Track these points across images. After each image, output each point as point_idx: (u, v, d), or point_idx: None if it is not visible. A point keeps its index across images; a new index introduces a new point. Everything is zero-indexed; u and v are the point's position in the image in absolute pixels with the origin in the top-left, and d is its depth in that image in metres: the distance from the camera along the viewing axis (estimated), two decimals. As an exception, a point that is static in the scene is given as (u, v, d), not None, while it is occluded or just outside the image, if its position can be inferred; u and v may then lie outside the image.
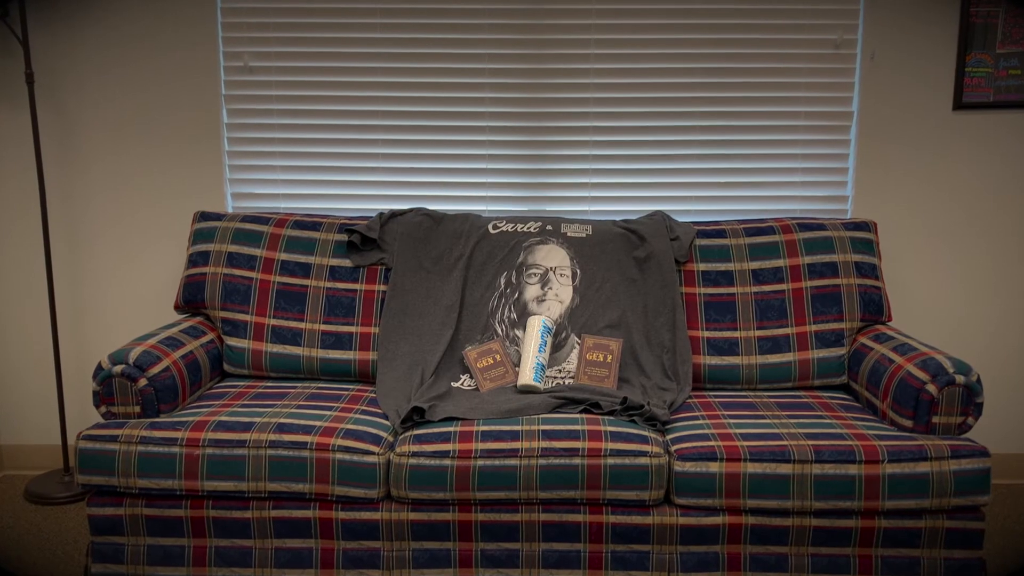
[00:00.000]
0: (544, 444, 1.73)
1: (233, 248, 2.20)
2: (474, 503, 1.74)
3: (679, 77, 2.41)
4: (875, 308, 2.14)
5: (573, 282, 2.17)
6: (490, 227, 2.24)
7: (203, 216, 2.28)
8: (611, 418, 1.84)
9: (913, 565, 1.71)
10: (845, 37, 2.35)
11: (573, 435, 1.75)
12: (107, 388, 1.85)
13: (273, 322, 2.14)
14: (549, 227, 2.24)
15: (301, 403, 1.93)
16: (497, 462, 1.71)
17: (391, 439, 1.80)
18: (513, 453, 1.72)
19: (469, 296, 2.17)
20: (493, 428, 1.77)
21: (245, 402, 1.95)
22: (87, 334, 2.52)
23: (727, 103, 2.42)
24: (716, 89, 2.42)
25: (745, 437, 1.76)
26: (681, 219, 2.41)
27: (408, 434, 1.78)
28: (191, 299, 2.20)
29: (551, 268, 2.18)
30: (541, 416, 1.85)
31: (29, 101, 2.34)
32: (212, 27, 2.39)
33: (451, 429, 1.78)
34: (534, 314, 2.14)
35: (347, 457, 1.73)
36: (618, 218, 2.39)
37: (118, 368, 1.85)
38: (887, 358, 1.95)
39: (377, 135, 2.45)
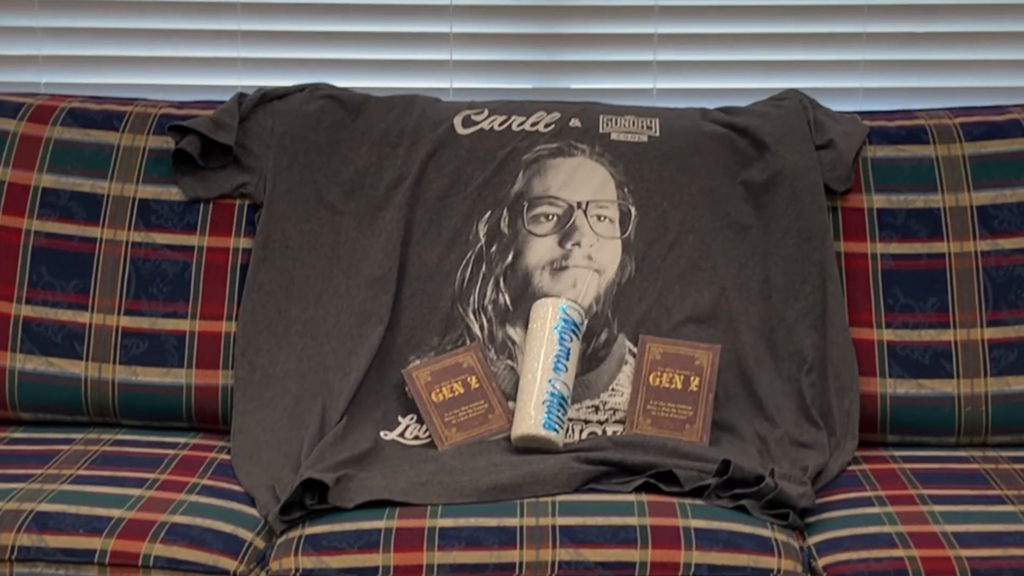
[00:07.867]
0: (566, 554, 1.72)
1: (-55, 165, 2.27)
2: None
3: None
4: None
5: (623, 232, 2.16)
6: (459, 122, 2.23)
7: None
8: (699, 503, 1.83)
9: None
10: None
11: (624, 536, 1.74)
12: None
13: (26, 311, 2.16)
14: (575, 122, 2.21)
15: (83, 472, 1.93)
16: (471, 589, 1.76)
17: (261, 543, 1.80)
18: (506, 571, 1.70)
19: (417, 259, 2.18)
20: (463, 523, 1.77)
21: (-30, 471, 1.99)
22: None
23: None
24: None
25: (963, 540, 1.75)
26: (837, 107, 2.37)
27: (296, 533, 1.78)
28: None
29: (579, 204, 2.15)
30: (559, 499, 1.83)
31: None
32: None
33: (380, 524, 1.77)
34: (545, 295, 2.11)
35: (174, 580, 1.78)
36: (711, 105, 2.34)
37: None
38: None
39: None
